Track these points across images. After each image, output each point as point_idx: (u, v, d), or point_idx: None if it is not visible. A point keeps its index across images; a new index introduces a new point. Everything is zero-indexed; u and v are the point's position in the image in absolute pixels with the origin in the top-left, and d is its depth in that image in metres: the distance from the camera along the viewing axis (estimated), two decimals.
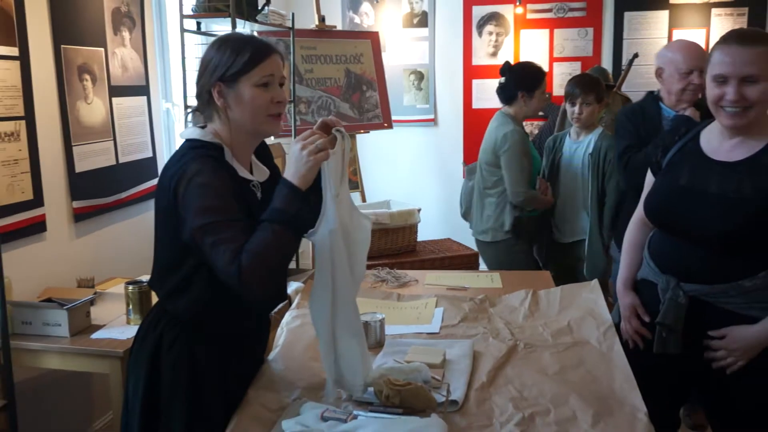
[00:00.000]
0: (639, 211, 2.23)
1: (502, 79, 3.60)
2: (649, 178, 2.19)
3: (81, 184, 3.08)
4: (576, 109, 3.45)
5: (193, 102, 3.59)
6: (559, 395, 1.79)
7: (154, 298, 2.43)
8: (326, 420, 1.63)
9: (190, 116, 1.92)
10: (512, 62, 5.36)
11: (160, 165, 3.69)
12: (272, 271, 1.64)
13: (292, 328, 2.28)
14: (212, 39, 3.87)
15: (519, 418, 1.67)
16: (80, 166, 3.08)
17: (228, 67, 1.72)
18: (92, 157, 3.16)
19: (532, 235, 3.65)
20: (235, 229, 1.61)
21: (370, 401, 1.76)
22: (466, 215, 4.02)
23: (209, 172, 1.64)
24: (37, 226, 2.82)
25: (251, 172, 1.83)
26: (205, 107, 1.79)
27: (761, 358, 1.91)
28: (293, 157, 1.65)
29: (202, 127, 1.80)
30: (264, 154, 1.94)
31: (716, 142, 1.98)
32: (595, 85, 3.52)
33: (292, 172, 1.63)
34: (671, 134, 2.19)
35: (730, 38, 1.89)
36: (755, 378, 1.92)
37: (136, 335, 1.90)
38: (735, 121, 1.88)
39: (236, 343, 1.85)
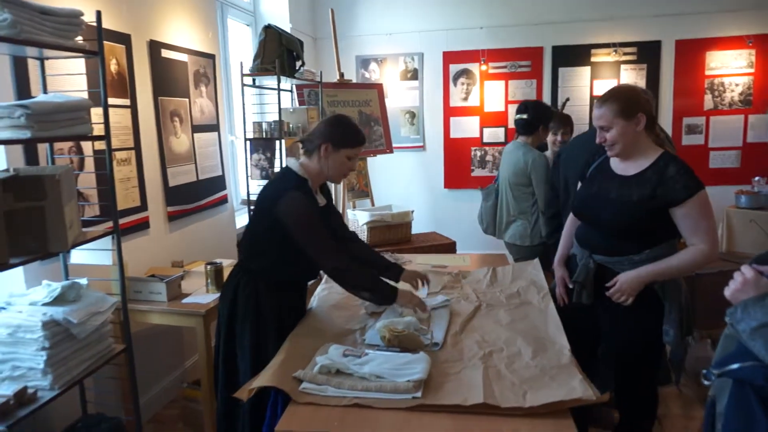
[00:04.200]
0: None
1: (524, 116, 3.28)
2: (579, 185, 2.25)
3: (173, 194, 3.12)
4: (558, 137, 3.40)
5: (249, 135, 3.70)
6: (510, 338, 1.86)
7: (226, 273, 2.54)
8: (347, 356, 1.69)
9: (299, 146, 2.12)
10: (480, 103, 5.53)
11: (228, 181, 3.75)
12: (348, 290, 2.03)
13: (322, 296, 2.36)
14: (264, 90, 3.98)
15: (481, 354, 1.75)
16: (172, 182, 3.12)
17: (340, 139, 1.97)
18: (180, 175, 3.20)
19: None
20: (330, 241, 1.95)
21: (376, 344, 1.83)
22: (487, 230, 3.61)
23: (303, 201, 1.90)
24: (143, 225, 2.87)
25: (315, 196, 2.06)
26: (312, 149, 1.99)
27: (631, 307, 1.96)
28: (411, 297, 2.03)
29: (299, 160, 2.03)
30: (325, 189, 2.17)
31: (617, 161, 2.04)
32: (569, 120, 3.50)
33: (401, 297, 1.99)
34: (593, 155, 2.22)
35: (598, 100, 1.98)
36: (626, 318, 1.99)
37: (226, 281, 2.12)
38: (610, 154, 2.00)
39: (286, 289, 2.06)
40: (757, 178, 4.59)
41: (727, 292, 1.24)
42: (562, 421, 1.39)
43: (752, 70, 5.10)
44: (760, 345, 1.14)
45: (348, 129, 2.02)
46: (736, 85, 5.15)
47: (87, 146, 2.46)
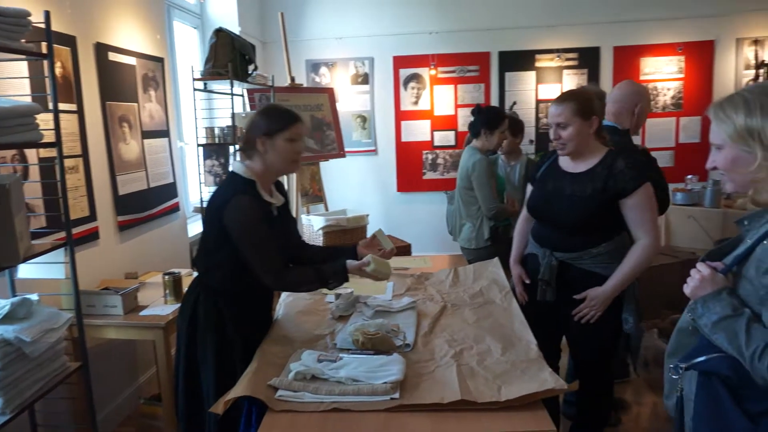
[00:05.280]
0: (524, 211, 2.37)
1: (473, 118, 3.31)
2: (529, 189, 2.33)
3: (123, 203, 3.01)
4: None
5: (202, 141, 3.61)
6: (478, 336, 1.90)
7: (185, 283, 2.48)
8: (321, 361, 1.68)
9: (237, 155, 2.02)
10: (430, 107, 5.63)
11: (179, 188, 3.64)
12: (296, 290, 2.02)
13: (287, 303, 2.33)
14: (214, 94, 3.90)
15: (452, 353, 1.78)
16: (122, 190, 3.01)
17: (270, 126, 1.86)
18: (130, 183, 3.09)
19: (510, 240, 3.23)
20: (271, 247, 1.83)
21: (348, 348, 1.83)
22: (452, 233, 3.60)
23: (248, 204, 1.80)
24: (93, 235, 2.76)
25: (271, 196, 1.96)
26: (250, 150, 1.89)
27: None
28: (357, 266, 1.90)
29: (243, 161, 1.93)
30: (280, 188, 2.06)
31: (567, 161, 2.15)
32: (519, 126, 3.54)
33: (354, 268, 1.89)
34: (543, 158, 2.34)
35: (555, 99, 2.09)
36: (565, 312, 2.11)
37: (184, 295, 2.01)
38: (560, 152, 2.11)
39: (248, 301, 1.97)
40: (689, 177, 4.90)
41: (687, 289, 1.29)
42: (537, 412, 1.44)
43: (682, 76, 5.46)
44: (722, 338, 1.20)
45: (276, 112, 1.91)
46: (668, 89, 5.49)
47: (31, 154, 2.33)
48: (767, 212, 1.23)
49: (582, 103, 2.02)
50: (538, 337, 1.88)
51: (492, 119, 3.23)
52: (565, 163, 2.15)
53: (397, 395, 1.53)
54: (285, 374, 1.65)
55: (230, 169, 1.94)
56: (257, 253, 1.82)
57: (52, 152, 2.38)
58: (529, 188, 2.33)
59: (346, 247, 2.16)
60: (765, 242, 1.18)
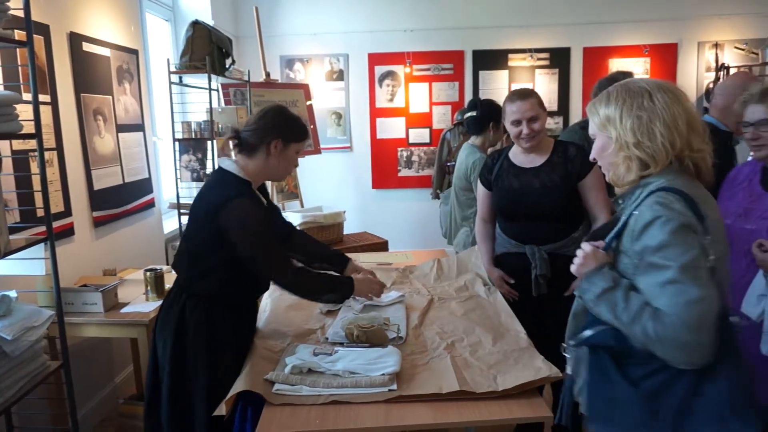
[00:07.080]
0: (479, 215, 2.44)
1: (473, 113, 3.06)
2: (482, 191, 2.38)
3: (98, 198, 2.92)
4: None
5: (178, 135, 3.52)
6: (467, 328, 1.93)
7: (167, 279, 2.42)
8: (317, 355, 1.68)
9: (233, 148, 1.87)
10: (405, 105, 5.64)
11: (154, 184, 3.56)
12: (308, 297, 1.93)
13: (274, 298, 2.30)
14: (191, 88, 3.81)
15: (445, 345, 1.80)
16: (97, 185, 2.92)
17: (290, 133, 1.82)
18: (105, 178, 2.99)
19: None
20: (279, 249, 1.82)
21: (341, 341, 1.83)
22: (446, 235, 3.45)
23: (250, 207, 1.72)
24: (68, 231, 2.66)
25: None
26: (256, 147, 1.80)
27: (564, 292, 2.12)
28: (369, 283, 1.96)
29: (234, 159, 1.82)
30: (262, 189, 1.98)
31: (521, 158, 2.25)
32: None
33: (359, 288, 1.90)
34: (491, 159, 2.38)
35: (514, 96, 2.19)
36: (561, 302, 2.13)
37: (161, 306, 1.87)
38: (530, 144, 2.19)
39: (242, 307, 1.88)
40: None
41: (573, 268, 1.33)
42: (534, 399, 1.48)
43: (648, 77, 5.63)
44: (604, 309, 1.24)
45: (296, 122, 1.85)
46: None
47: (3, 146, 2.24)
48: (637, 188, 1.30)
49: (538, 97, 2.20)
50: (529, 332, 1.89)
51: (497, 111, 2.90)
52: (520, 160, 2.24)
53: (394, 386, 1.53)
54: (281, 368, 1.63)
55: (219, 165, 1.81)
56: (268, 257, 1.75)
57: (25, 144, 2.30)
58: (482, 189, 2.38)
59: (334, 256, 2.16)
60: (635, 212, 1.24)
